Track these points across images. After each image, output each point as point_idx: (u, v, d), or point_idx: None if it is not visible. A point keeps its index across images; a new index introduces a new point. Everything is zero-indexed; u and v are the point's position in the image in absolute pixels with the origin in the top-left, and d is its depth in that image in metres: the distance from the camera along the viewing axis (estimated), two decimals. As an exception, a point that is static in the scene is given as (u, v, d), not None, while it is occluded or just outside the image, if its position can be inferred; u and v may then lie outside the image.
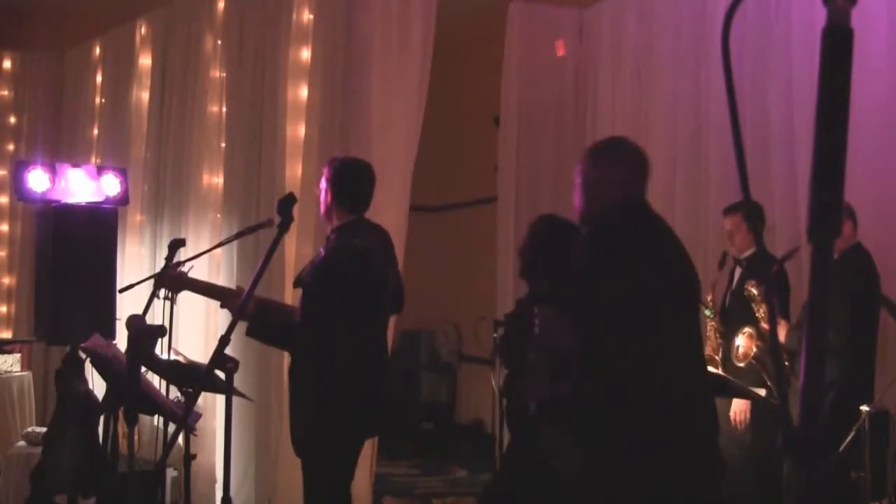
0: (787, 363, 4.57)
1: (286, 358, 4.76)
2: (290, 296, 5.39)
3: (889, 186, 5.09)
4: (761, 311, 4.84)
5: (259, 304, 4.10)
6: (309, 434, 4.07)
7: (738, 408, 4.93)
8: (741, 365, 4.84)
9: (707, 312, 5.13)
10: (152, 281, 4.22)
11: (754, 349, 4.81)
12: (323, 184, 4.21)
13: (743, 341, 4.88)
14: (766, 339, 4.79)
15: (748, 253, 5.09)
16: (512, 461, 4.05)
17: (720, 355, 5.00)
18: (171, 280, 4.16)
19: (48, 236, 5.89)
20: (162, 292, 4.17)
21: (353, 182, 4.23)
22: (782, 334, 4.67)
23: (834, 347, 4.37)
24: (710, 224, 5.82)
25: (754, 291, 4.88)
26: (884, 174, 5.07)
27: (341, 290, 3.99)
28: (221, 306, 4.25)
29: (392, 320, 5.68)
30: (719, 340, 5.04)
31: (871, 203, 4.93)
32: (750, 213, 4.47)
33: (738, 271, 5.16)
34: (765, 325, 4.80)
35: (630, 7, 6.71)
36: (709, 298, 5.11)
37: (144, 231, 7.63)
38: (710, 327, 5.10)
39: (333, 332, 3.96)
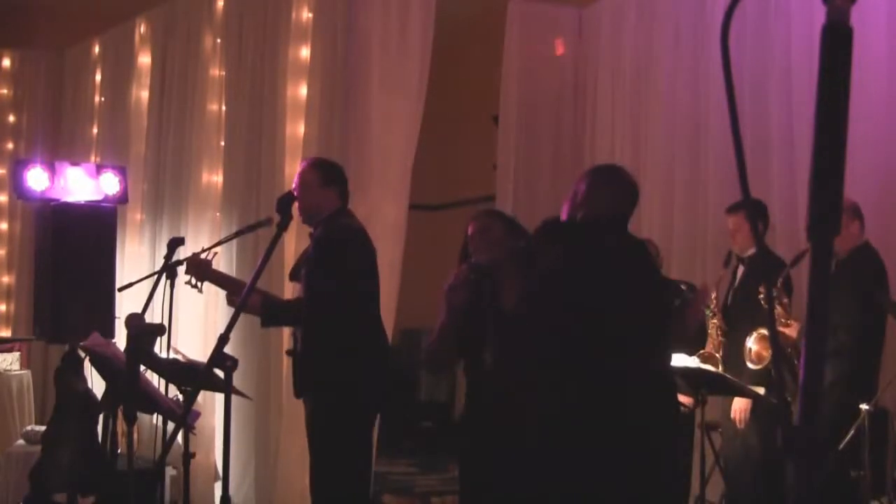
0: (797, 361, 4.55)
1: (285, 358, 4.77)
2: (289, 294, 5.39)
3: (889, 185, 5.09)
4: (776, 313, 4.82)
5: (264, 296, 4.16)
6: (323, 421, 4.08)
7: (739, 406, 4.92)
8: (757, 367, 4.81)
9: (707, 311, 5.12)
10: (152, 281, 4.22)
11: (770, 352, 4.79)
12: (309, 185, 4.20)
13: (755, 344, 4.85)
14: (779, 341, 4.78)
15: (751, 251, 5.09)
16: None
17: (721, 353, 4.99)
18: (198, 268, 4.18)
19: (47, 235, 5.89)
20: (192, 280, 4.19)
21: (345, 177, 4.34)
22: (794, 332, 4.67)
23: (843, 347, 4.38)
24: (710, 223, 5.82)
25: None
26: (884, 173, 5.07)
27: (343, 261, 4.05)
28: (228, 300, 4.26)
29: (391, 319, 5.69)
30: (720, 338, 5.04)
31: (871, 202, 4.92)
32: (751, 211, 4.47)
33: (741, 269, 5.16)
34: (780, 328, 4.78)
35: (629, 6, 6.70)
36: (712, 297, 5.11)
37: (144, 230, 7.63)
38: (712, 325, 5.10)
39: (340, 313, 4.00)
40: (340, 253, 4.10)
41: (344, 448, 4.08)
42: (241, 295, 4.00)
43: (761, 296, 4.89)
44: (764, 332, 4.83)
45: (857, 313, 4.42)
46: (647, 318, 3.31)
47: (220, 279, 4.36)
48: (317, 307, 4.06)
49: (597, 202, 3.37)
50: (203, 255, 4.24)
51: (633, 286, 3.32)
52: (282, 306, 4.28)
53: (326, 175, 4.23)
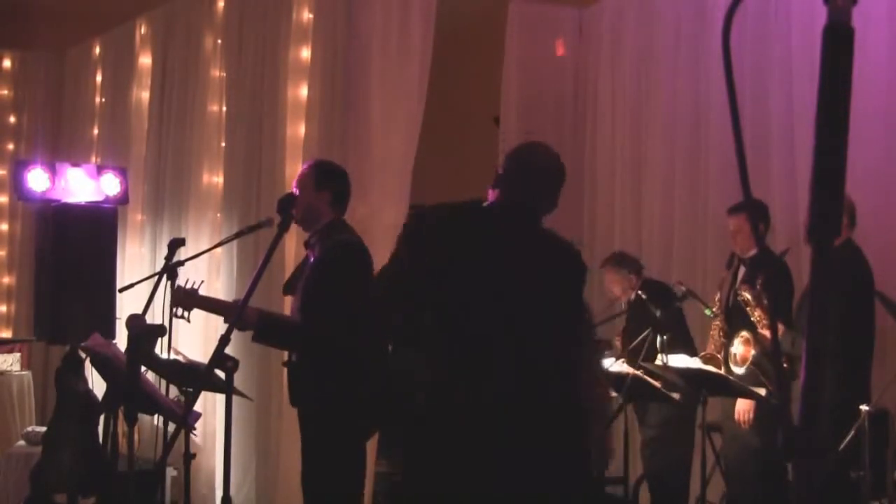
0: (785, 365, 4.55)
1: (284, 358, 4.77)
2: (287, 305, 5.38)
3: (889, 186, 5.09)
4: (756, 315, 4.83)
5: (261, 312, 4.12)
6: (322, 433, 4.07)
7: (742, 407, 4.92)
8: (740, 371, 4.82)
9: (707, 312, 5.12)
10: (152, 282, 4.22)
11: (752, 354, 4.81)
12: (306, 186, 4.18)
13: (739, 347, 4.87)
14: (763, 344, 4.78)
15: (752, 253, 5.09)
16: None
17: (722, 354, 5.00)
18: (184, 298, 4.16)
19: (48, 236, 5.89)
20: (178, 311, 4.15)
21: (344, 184, 4.26)
22: None
23: (829, 347, 4.35)
24: (710, 223, 5.82)
25: (748, 296, 4.87)
26: (884, 174, 5.07)
27: (345, 285, 4.01)
28: (225, 321, 4.24)
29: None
30: (723, 340, 5.03)
31: (872, 202, 4.93)
32: (752, 212, 4.46)
33: (742, 271, 5.15)
34: (761, 330, 4.80)
35: (630, 6, 6.71)
36: (716, 298, 5.11)
37: (144, 230, 7.63)
38: (714, 326, 5.10)
39: (340, 330, 3.97)
40: (342, 277, 4.03)
41: (337, 458, 4.06)
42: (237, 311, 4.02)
43: (740, 298, 4.90)
44: (747, 334, 4.85)
45: (841, 312, 4.39)
46: (528, 310, 3.06)
47: (209, 305, 4.31)
48: (316, 331, 4.04)
49: (510, 187, 3.18)
50: (189, 286, 4.21)
51: (510, 279, 3.06)
52: (278, 331, 4.21)
53: (322, 177, 4.19)
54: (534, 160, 3.23)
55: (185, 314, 4.15)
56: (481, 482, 2.97)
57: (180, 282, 4.19)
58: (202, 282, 4.28)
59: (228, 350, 3.36)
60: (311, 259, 4.14)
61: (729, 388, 4.76)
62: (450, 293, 3.05)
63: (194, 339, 6.56)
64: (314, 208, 4.14)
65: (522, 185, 3.18)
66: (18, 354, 7.45)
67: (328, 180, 4.19)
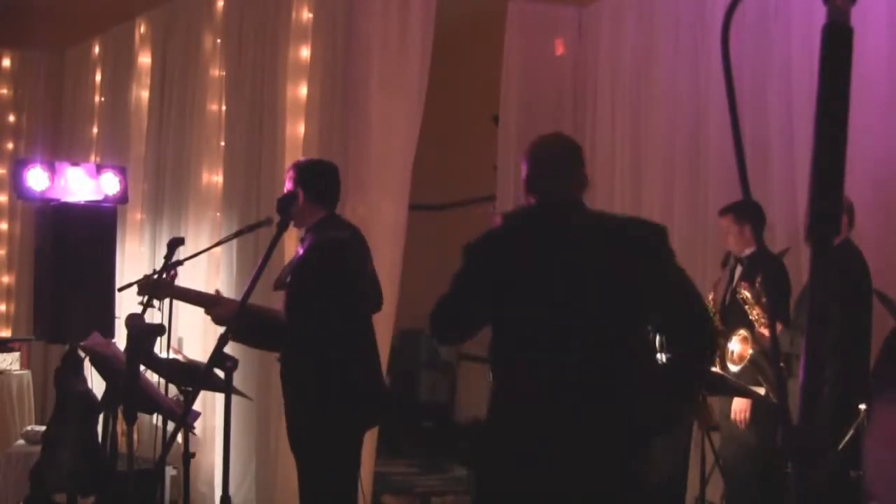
0: (782, 364, 4.55)
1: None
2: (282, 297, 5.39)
3: (889, 185, 5.09)
4: (754, 314, 4.84)
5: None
6: (308, 433, 4.06)
7: (739, 406, 4.93)
8: (736, 369, 4.83)
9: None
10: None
11: (749, 352, 4.81)
12: (289, 187, 4.18)
13: (737, 345, 4.88)
14: (760, 342, 4.79)
15: (748, 252, 5.10)
16: None
17: (718, 354, 5.00)
18: (155, 287, 4.15)
19: (47, 235, 5.89)
20: (146, 299, 4.14)
21: (321, 179, 4.24)
22: None
23: (828, 346, 4.34)
24: (710, 224, 5.81)
25: (747, 294, 4.88)
26: (883, 173, 5.07)
27: (321, 282, 4.00)
28: (206, 313, 4.23)
29: (391, 319, 5.67)
30: (718, 339, 5.04)
31: (871, 202, 4.93)
32: (744, 212, 4.47)
33: (738, 270, 5.16)
34: (759, 329, 4.81)
35: (629, 6, 6.70)
36: (710, 297, 5.11)
37: (144, 230, 7.63)
38: (711, 326, 5.10)
39: (320, 327, 3.96)
40: (320, 272, 4.02)
41: (328, 456, 4.05)
42: (220, 306, 4.00)
43: (739, 296, 4.90)
44: (744, 332, 4.85)
45: (839, 310, 4.38)
46: (595, 302, 3.03)
47: (185, 295, 4.29)
48: (297, 325, 4.03)
49: (540, 188, 3.16)
50: (164, 276, 4.19)
51: (575, 272, 3.05)
52: (257, 323, 4.20)
53: (296, 176, 4.19)
54: (555, 153, 3.22)
55: (155, 303, 4.15)
56: (559, 482, 2.95)
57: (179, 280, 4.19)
58: (175, 274, 4.27)
59: (228, 349, 3.36)
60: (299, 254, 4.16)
61: (727, 388, 4.76)
62: (524, 304, 3.08)
63: (194, 338, 6.56)
64: (299, 207, 4.13)
65: (554, 180, 3.16)
66: (18, 354, 7.45)
67: (301, 178, 4.18)
